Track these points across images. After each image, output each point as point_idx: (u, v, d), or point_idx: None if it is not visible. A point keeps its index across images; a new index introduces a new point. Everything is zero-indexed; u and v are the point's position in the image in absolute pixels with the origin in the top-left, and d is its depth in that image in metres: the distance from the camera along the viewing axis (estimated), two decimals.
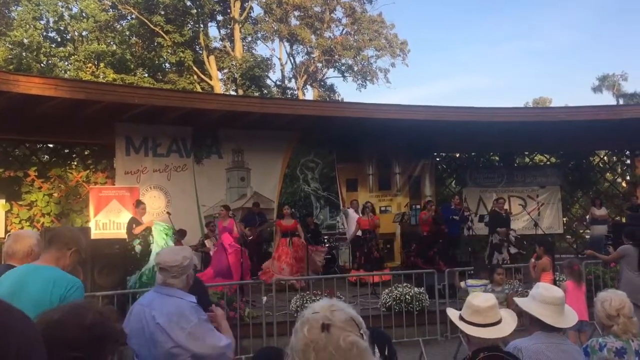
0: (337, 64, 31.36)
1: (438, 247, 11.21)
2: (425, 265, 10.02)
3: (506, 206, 11.93)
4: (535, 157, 17.68)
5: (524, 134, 13.28)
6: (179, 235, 10.27)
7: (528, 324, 3.04)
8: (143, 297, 3.13)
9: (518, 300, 3.12)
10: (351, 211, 11.54)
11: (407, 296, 8.01)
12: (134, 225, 8.92)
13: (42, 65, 26.01)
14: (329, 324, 1.41)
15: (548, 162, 16.69)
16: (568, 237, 15.73)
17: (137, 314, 2.99)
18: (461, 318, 2.84)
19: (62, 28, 27.61)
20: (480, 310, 2.75)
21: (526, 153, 16.75)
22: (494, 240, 10.82)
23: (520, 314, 3.03)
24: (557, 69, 78.52)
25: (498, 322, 2.75)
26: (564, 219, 15.39)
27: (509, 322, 2.79)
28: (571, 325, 3.05)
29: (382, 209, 13.04)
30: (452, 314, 2.96)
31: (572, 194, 16.06)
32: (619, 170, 17.59)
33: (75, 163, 12.34)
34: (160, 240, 8.76)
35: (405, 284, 8.23)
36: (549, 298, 2.97)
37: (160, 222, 9.24)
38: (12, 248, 3.40)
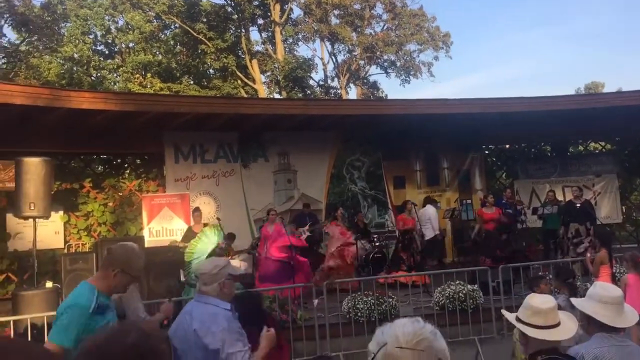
0: (379, 60, 31.15)
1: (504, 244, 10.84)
2: (495, 264, 9.52)
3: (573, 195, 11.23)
4: (590, 145, 17.10)
5: (576, 122, 12.84)
6: (228, 239, 10.39)
7: (586, 324, 2.92)
8: (187, 305, 3.34)
9: (574, 300, 3.00)
10: (431, 208, 11.47)
11: (460, 294, 7.86)
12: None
13: (92, 78, 26.86)
14: None
15: (603, 150, 16.10)
16: (628, 225, 15.15)
17: (180, 321, 3.21)
18: (518, 319, 2.75)
19: (109, 41, 28.42)
20: (541, 311, 2.65)
21: (580, 141, 16.21)
22: (568, 234, 10.45)
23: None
24: (610, 52, 75.78)
25: (558, 325, 2.65)
26: (623, 207, 14.81)
27: (569, 325, 2.68)
28: (631, 325, 2.91)
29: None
30: (508, 315, 2.87)
31: (630, 181, 15.43)
32: None
33: (128, 173, 12.70)
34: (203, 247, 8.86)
35: (458, 282, 8.07)
36: (606, 297, 2.85)
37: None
38: None
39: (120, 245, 3.30)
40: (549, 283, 6.00)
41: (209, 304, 3.12)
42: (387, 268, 10.62)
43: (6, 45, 26.85)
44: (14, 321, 6.45)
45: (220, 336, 2.97)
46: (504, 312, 3.07)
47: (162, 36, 28.86)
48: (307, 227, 10.91)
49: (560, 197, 12.47)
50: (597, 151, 16.44)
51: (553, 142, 15.51)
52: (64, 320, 2.95)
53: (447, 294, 7.89)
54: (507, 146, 15.93)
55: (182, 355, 3.14)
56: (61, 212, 10.94)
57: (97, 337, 1.61)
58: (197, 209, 9.79)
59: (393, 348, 1.37)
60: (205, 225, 9.55)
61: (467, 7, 67.73)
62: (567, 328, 2.66)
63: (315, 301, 7.67)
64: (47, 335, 3.02)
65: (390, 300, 7.76)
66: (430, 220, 11.34)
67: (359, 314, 7.54)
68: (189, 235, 9.26)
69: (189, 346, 3.08)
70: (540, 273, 7.75)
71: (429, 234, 11.27)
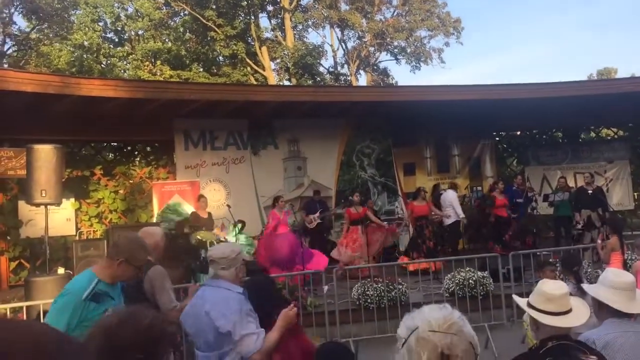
0: (389, 47, 30.93)
1: (512, 230, 10.80)
2: (504, 251, 9.45)
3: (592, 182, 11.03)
4: (602, 131, 16.92)
5: (588, 108, 12.71)
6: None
7: (597, 310, 2.91)
8: (199, 290, 3.42)
9: (586, 286, 2.98)
10: (451, 192, 11.38)
11: (470, 281, 7.85)
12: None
13: (102, 66, 26.91)
14: (448, 354, 1.38)
15: (616, 136, 15.94)
16: None
17: (192, 305, 3.27)
18: (530, 305, 2.73)
19: (119, 29, 28.44)
20: (554, 297, 2.63)
21: (592, 127, 16.04)
22: (579, 220, 10.39)
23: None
24: (622, 37, 74.73)
25: (570, 311, 2.64)
26: (635, 194, 14.69)
27: (582, 311, 2.66)
28: None
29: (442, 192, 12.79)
30: (519, 301, 2.86)
31: None
32: None
33: (138, 160, 12.75)
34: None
35: (468, 269, 8.06)
36: (618, 283, 2.83)
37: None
38: None
39: (126, 236, 3.36)
40: (555, 270, 5.96)
41: (221, 288, 3.16)
42: (398, 255, 10.63)
43: (17, 33, 26.96)
44: (27, 307, 6.53)
45: (232, 319, 3.00)
46: (515, 297, 3.05)
47: (172, 23, 28.83)
48: (317, 215, 10.94)
49: (571, 184, 12.38)
50: (609, 137, 16.28)
51: (564, 129, 15.39)
52: (59, 305, 3.03)
53: (457, 281, 7.89)
54: (518, 133, 15.81)
55: (193, 338, 3.23)
56: (72, 199, 10.99)
57: (111, 321, 1.62)
58: (201, 196, 9.83)
59: (425, 332, 1.38)
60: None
61: None
62: (580, 314, 2.64)
63: (325, 287, 7.70)
64: None
65: (400, 287, 7.76)
66: (452, 204, 11.16)
67: (369, 300, 7.56)
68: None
69: (201, 329, 3.12)
70: (550, 260, 7.71)
71: (450, 219, 11.08)
